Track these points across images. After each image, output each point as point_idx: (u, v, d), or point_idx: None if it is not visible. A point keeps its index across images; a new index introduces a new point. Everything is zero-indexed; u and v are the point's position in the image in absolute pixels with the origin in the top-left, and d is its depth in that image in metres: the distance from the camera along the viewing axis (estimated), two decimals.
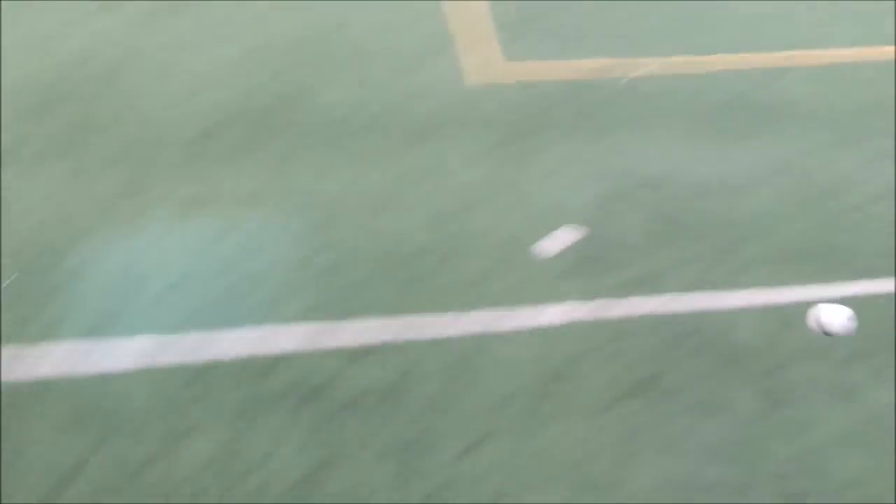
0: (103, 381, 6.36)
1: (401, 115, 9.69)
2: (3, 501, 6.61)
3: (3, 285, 7.01)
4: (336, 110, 9.77)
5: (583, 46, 10.81)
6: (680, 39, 10.97)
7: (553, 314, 7.24)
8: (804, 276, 7.56)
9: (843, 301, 7.24)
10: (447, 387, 6.55)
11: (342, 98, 9.98)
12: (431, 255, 7.79)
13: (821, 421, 6.27)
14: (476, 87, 10.18)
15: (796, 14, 11.30)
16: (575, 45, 10.86)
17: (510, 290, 7.46)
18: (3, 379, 6.32)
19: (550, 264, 7.71)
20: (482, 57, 10.66)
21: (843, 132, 9.26)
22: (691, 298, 7.41)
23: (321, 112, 9.77)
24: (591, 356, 6.87)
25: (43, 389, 6.27)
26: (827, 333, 7.15)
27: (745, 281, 7.55)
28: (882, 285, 7.45)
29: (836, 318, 7.20)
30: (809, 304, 7.19)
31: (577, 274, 7.58)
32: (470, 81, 10.26)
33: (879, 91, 9.88)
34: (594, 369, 6.73)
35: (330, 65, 10.63)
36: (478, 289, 7.42)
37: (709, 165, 8.91)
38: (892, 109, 9.54)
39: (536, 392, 6.57)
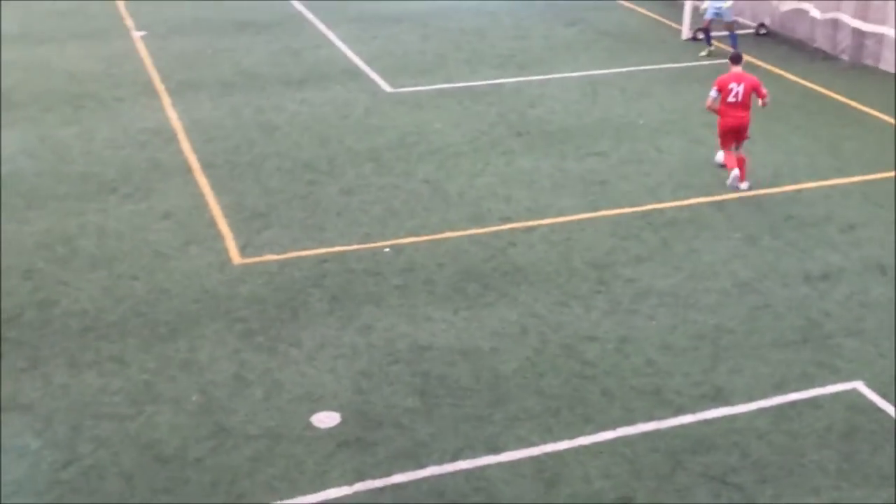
0: None
1: (155, 309, 9.66)
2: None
3: None
4: (89, 308, 9.60)
5: (325, 234, 11.25)
6: (414, 219, 11.67)
7: (324, 497, 7.26)
8: (563, 429, 8.02)
9: (608, 444, 7.83)
10: None
11: (95, 296, 9.83)
12: (194, 450, 7.68)
13: None
14: (227, 278, 10.29)
15: (516, 191, 12.41)
16: (317, 233, 11.29)
17: (280, 478, 7.45)
18: None
19: (314, 450, 7.76)
20: (223, 252, 10.84)
21: (568, 291, 10.15)
22: (454, 466, 7.66)
23: (73, 311, 9.56)
24: None
25: None
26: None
27: (506, 442, 7.89)
28: (644, 427, 8.03)
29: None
30: (575, 453, 7.72)
31: (341, 457, 7.65)
32: (223, 273, 10.39)
33: (594, 250, 10.98)
34: None
35: (82, 263, 10.47)
36: (250, 479, 7.42)
37: (457, 332, 9.36)
38: (608, 265, 10.60)
39: None
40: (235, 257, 10.71)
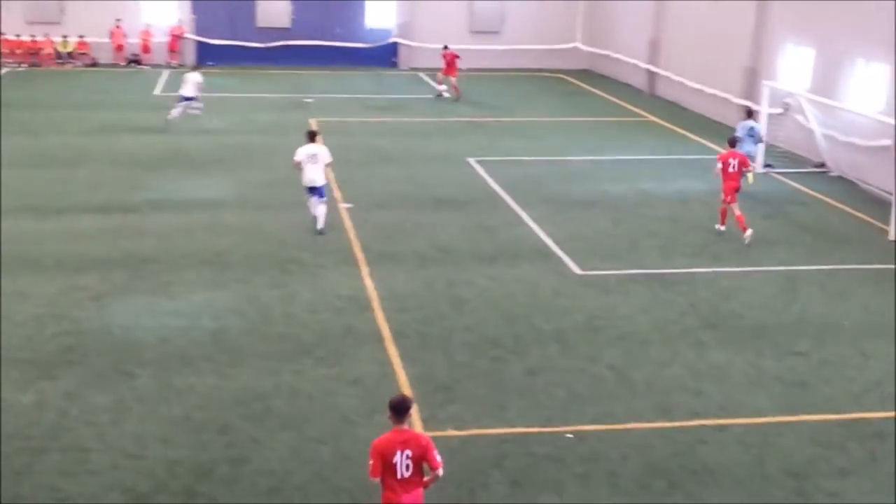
0: None
1: (338, 474, 9.77)
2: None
3: None
4: (276, 469, 9.86)
5: (507, 414, 11.20)
6: (598, 406, 11.44)
7: None
8: None
9: None
10: None
11: (284, 456, 10.09)
12: None
13: None
14: None
15: (707, 385, 11.99)
16: (499, 411, 11.25)
17: None
18: None
19: None
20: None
21: (762, 499, 9.52)
22: None
23: (262, 470, 9.82)
24: None
25: None
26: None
27: None
28: None
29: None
30: None
31: None
32: None
33: (792, 456, 10.33)
34: None
35: (274, 423, 10.83)
36: None
37: None
38: (807, 475, 9.93)
39: None
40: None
